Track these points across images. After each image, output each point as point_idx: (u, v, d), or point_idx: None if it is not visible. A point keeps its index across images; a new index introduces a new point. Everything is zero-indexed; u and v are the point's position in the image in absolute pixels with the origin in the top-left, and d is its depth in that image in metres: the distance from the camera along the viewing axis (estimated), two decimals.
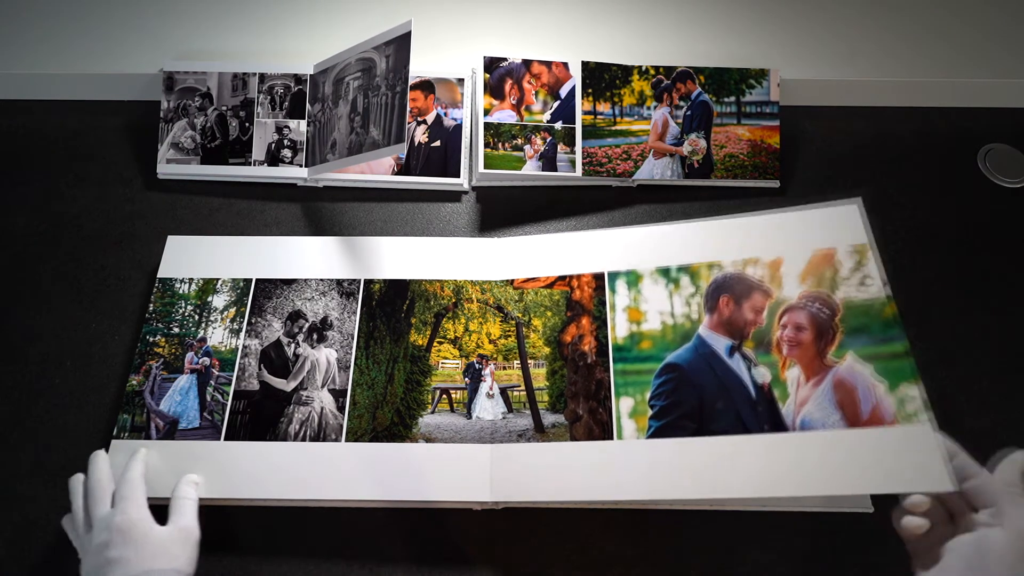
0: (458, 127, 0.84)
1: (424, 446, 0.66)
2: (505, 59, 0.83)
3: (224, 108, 0.83)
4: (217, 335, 0.71)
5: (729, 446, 0.61)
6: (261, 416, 0.67)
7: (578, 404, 0.67)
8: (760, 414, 0.62)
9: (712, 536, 0.65)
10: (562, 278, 0.73)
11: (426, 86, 0.84)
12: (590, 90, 0.83)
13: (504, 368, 0.70)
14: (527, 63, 0.83)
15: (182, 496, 0.60)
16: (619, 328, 0.69)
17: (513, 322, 0.72)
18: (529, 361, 0.70)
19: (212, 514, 0.64)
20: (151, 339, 0.72)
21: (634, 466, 0.63)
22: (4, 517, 0.65)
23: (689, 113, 0.84)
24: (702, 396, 0.64)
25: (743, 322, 0.66)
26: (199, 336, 0.71)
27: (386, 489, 0.64)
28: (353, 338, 0.71)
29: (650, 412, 0.64)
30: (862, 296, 0.64)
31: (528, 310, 0.72)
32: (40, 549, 0.64)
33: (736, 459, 0.60)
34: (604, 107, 0.83)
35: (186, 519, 0.58)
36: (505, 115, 0.82)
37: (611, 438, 0.64)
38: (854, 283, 0.65)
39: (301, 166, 0.82)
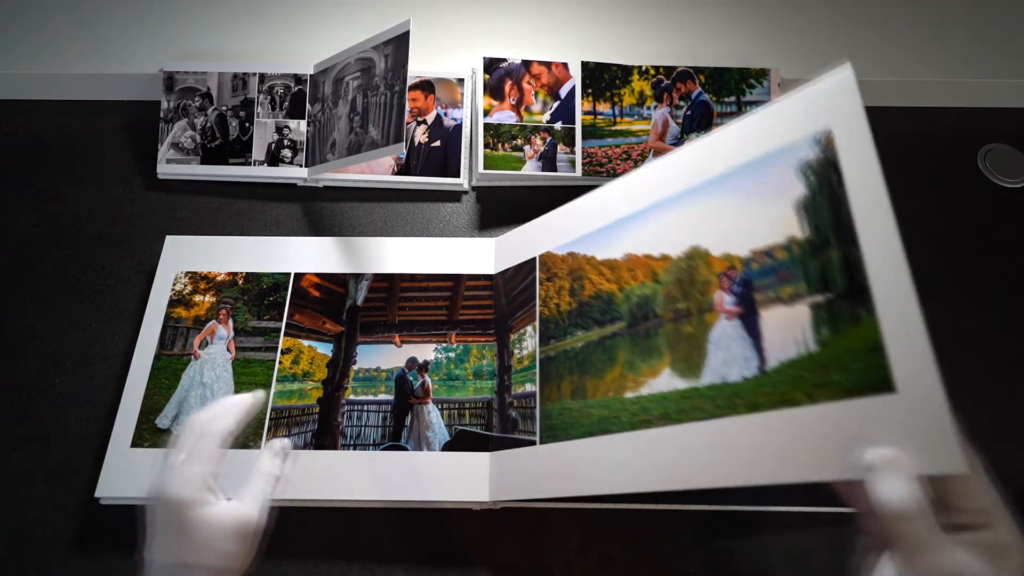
0: (458, 127, 0.84)
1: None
2: (505, 60, 0.83)
3: (224, 108, 0.83)
4: None
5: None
6: None
7: None
8: None
9: (712, 535, 0.65)
10: None
11: (426, 86, 0.84)
12: (590, 90, 0.83)
13: None
14: (527, 64, 0.83)
15: (258, 470, 0.49)
16: None
17: None
18: None
19: None
20: None
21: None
22: (4, 517, 0.65)
23: (689, 113, 0.84)
24: None
25: None
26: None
27: (386, 489, 0.64)
28: None
29: None
30: None
31: None
32: (40, 549, 0.64)
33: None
34: (604, 107, 0.83)
35: (247, 506, 0.47)
36: (505, 116, 0.82)
37: None
38: None
39: (301, 166, 0.82)
